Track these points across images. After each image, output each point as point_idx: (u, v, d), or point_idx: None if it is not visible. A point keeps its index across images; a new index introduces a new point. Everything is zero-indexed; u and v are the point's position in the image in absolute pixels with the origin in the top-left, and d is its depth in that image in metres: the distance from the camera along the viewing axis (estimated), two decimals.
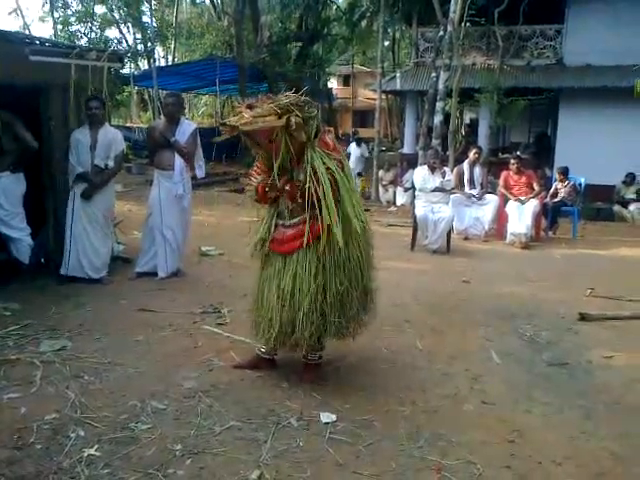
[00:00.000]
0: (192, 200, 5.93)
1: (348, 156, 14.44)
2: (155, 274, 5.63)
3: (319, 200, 3.09)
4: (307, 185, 3.08)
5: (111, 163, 5.45)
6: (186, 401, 3.24)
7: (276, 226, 3.37)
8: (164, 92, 27.10)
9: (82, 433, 2.87)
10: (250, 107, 3.02)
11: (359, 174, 14.67)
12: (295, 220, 3.26)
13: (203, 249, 6.95)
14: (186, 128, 5.65)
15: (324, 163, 3.13)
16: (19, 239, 5.20)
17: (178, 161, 5.55)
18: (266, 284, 3.35)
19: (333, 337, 3.41)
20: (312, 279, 3.16)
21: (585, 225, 10.38)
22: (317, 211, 3.14)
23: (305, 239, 3.19)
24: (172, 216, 5.58)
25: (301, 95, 3.10)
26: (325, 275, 3.18)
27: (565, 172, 9.54)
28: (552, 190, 9.65)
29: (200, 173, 5.98)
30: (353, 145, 14.94)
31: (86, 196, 5.32)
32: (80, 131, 5.39)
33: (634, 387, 3.63)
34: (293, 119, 2.93)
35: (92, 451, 2.70)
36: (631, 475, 2.68)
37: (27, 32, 21.54)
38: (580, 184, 9.68)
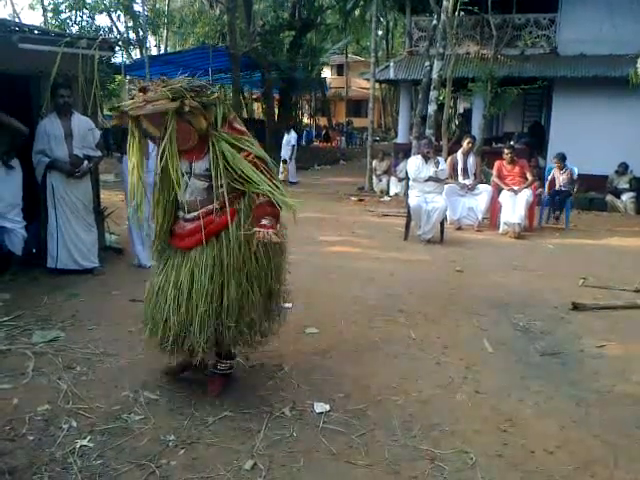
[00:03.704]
0: None
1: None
2: None
3: (243, 184, 2.91)
4: (213, 175, 2.89)
5: (91, 152, 5.40)
6: (179, 392, 3.23)
7: (177, 219, 3.11)
8: None
9: (75, 424, 2.86)
10: (144, 90, 2.80)
11: (284, 161, 15.17)
12: (195, 214, 2.99)
13: None
14: None
15: (235, 146, 2.91)
16: (12, 230, 5.16)
17: (151, 148, 5.49)
18: (163, 281, 3.03)
19: (232, 345, 3.14)
20: (208, 279, 2.90)
21: (578, 215, 10.42)
22: (221, 204, 2.93)
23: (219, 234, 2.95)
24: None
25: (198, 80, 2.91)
26: (223, 275, 2.91)
27: (562, 158, 9.53)
28: (550, 177, 9.65)
29: None
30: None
31: (79, 176, 5.26)
32: (49, 121, 5.21)
33: (625, 376, 3.65)
34: (187, 102, 2.73)
35: (85, 442, 2.70)
36: (622, 463, 2.69)
37: (16, 20, 21.29)
38: (573, 170, 9.69)
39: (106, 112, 6.90)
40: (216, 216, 2.95)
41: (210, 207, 2.96)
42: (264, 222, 2.90)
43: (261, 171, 2.94)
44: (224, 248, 2.92)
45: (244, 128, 3.07)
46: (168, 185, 3.00)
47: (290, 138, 15.55)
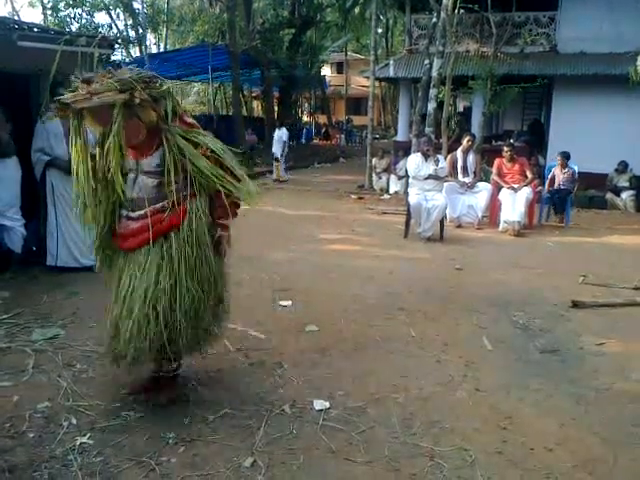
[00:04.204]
0: None
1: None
2: None
3: (200, 182, 2.74)
4: (165, 171, 2.70)
5: (91, 149, 5.37)
6: (179, 389, 3.23)
7: (120, 217, 2.88)
8: None
9: (74, 421, 2.86)
10: (88, 82, 2.57)
11: (276, 159, 15.27)
12: (142, 212, 2.77)
13: None
14: None
15: (190, 141, 2.75)
16: (12, 228, 5.16)
17: None
18: (111, 286, 2.87)
19: (186, 351, 3.01)
20: (152, 283, 2.70)
21: (578, 213, 10.42)
22: (170, 202, 2.75)
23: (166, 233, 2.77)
24: None
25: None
26: (173, 278, 2.72)
27: (567, 157, 9.47)
28: (550, 176, 9.65)
29: None
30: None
31: None
32: (49, 120, 5.18)
33: (625, 374, 3.65)
34: (137, 94, 2.56)
35: (85, 439, 2.70)
36: (621, 461, 2.70)
37: (16, 18, 21.26)
38: (574, 171, 9.68)
39: None
40: (165, 215, 2.76)
41: (159, 205, 2.76)
42: (222, 222, 2.82)
43: (220, 166, 2.79)
44: (173, 249, 2.73)
45: (194, 121, 2.91)
46: (112, 182, 2.76)
47: (281, 134, 15.45)
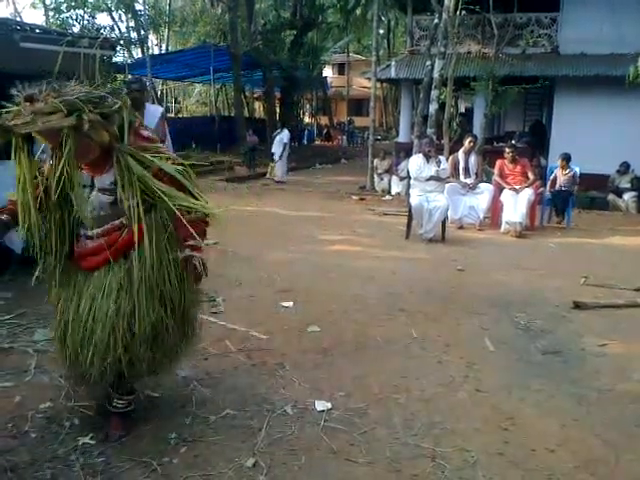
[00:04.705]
0: None
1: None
2: None
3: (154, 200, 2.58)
4: (119, 189, 2.53)
5: None
6: (180, 390, 3.24)
7: (78, 236, 2.71)
8: (158, 80, 27.00)
9: (77, 422, 2.87)
10: (30, 100, 2.31)
11: (272, 159, 15.35)
12: (99, 230, 2.63)
13: None
14: (154, 113, 5.51)
15: (142, 162, 2.54)
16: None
17: None
18: (67, 307, 2.68)
19: (144, 376, 2.84)
20: (111, 303, 2.55)
21: (579, 214, 10.42)
22: (127, 219, 2.60)
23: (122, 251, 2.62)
24: None
25: (98, 88, 2.51)
26: (133, 299, 2.57)
27: (568, 159, 9.47)
28: (552, 177, 9.65)
29: None
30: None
31: None
32: None
33: (627, 375, 3.65)
34: (86, 117, 2.32)
35: (87, 439, 2.70)
36: (623, 462, 2.69)
37: (18, 19, 21.30)
38: (575, 172, 9.67)
39: None
40: (123, 233, 2.61)
41: (116, 223, 2.62)
42: (190, 243, 2.62)
43: (177, 185, 2.61)
44: (134, 268, 2.57)
45: (153, 135, 2.77)
46: (67, 201, 2.58)
47: (283, 136, 15.45)
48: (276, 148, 15.31)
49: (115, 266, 2.61)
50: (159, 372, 2.90)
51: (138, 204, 2.52)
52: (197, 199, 2.64)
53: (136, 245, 2.57)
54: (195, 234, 2.58)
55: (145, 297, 2.58)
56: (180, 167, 2.64)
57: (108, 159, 2.53)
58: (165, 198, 2.54)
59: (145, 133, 2.70)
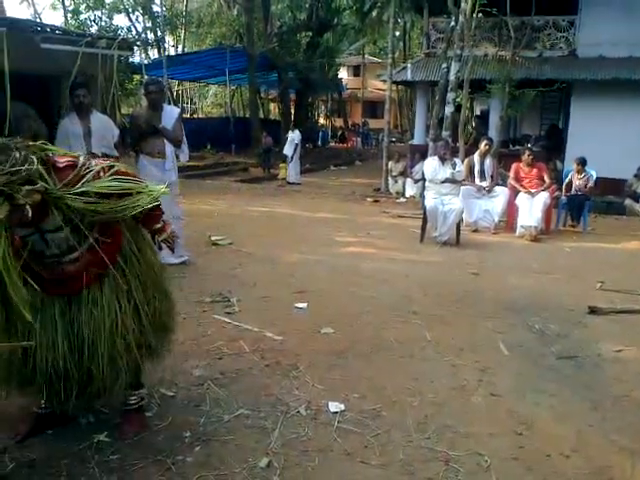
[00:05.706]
0: (201, 190, 5.95)
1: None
2: None
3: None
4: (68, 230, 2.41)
5: (109, 151, 5.45)
6: (195, 389, 3.26)
7: (45, 265, 2.53)
8: (174, 81, 27.17)
9: (92, 419, 2.89)
10: None
11: (284, 160, 15.49)
12: (71, 255, 2.50)
13: (213, 238, 6.97)
14: (171, 113, 5.58)
15: (69, 202, 2.32)
16: None
17: (169, 148, 5.51)
18: (43, 334, 2.53)
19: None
20: (111, 317, 2.55)
21: (595, 218, 10.33)
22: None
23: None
24: (168, 205, 5.53)
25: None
26: (132, 300, 2.63)
27: (583, 163, 9.40)
28: (567, 181, 9.58)
29: (184, 157, 5.94)
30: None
31: None
32: (70, 120, 5.30)
33: None
34: (18, 197, 2.10)
35: (102, 437, 2.72)
36: (639, 469, 2.67)
37: (38, 20, 21.53)
38: (591, 176, 9.60)
39: (124, 111, 6.98)
40: (95, 254, 2.52)
41: (85, 246, 2.51)
42: (157, 226, 2.75)
43: (118, 194, 2.48)
44: (119, 285, 2.60)
45: (69, 161, 2.42)
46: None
47: (294, 137, 15.54)
48: (288, 149, 15.36)
49: (105, 278, 2.59)
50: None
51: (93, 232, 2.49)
52: (141, 191, 2.56)
53: (115, 261, 2.59)
54: (156, 219, 2.73)
55: (150, 289, 2.74)
56: (113, 172, 2.49)
57: (47, 207, 2.33)
58: (115, 215, 2.49)
59: (61, 164, 2.39)
